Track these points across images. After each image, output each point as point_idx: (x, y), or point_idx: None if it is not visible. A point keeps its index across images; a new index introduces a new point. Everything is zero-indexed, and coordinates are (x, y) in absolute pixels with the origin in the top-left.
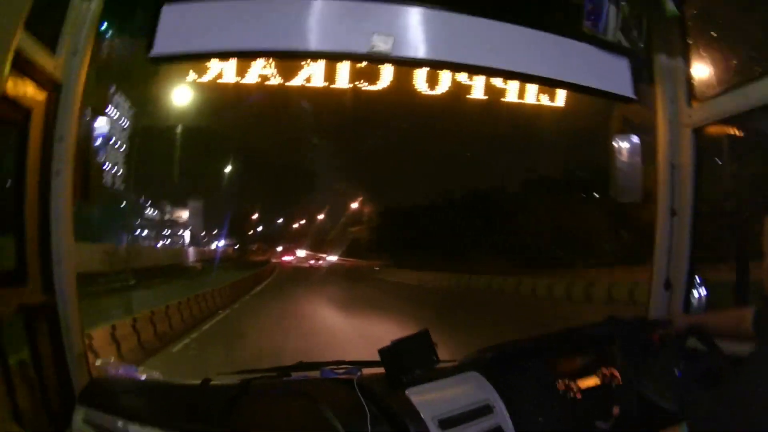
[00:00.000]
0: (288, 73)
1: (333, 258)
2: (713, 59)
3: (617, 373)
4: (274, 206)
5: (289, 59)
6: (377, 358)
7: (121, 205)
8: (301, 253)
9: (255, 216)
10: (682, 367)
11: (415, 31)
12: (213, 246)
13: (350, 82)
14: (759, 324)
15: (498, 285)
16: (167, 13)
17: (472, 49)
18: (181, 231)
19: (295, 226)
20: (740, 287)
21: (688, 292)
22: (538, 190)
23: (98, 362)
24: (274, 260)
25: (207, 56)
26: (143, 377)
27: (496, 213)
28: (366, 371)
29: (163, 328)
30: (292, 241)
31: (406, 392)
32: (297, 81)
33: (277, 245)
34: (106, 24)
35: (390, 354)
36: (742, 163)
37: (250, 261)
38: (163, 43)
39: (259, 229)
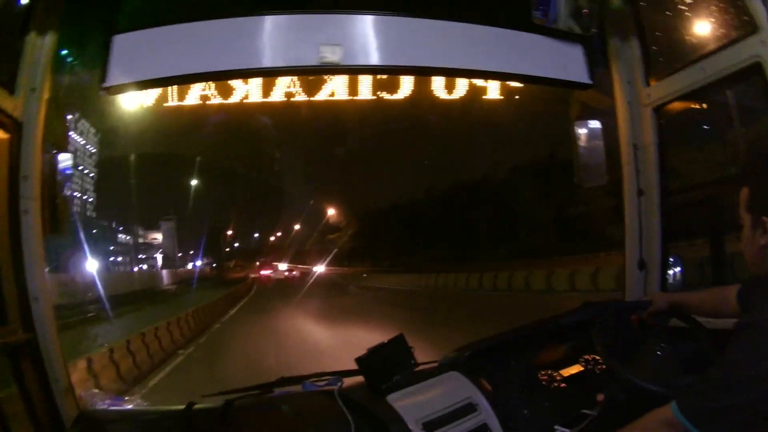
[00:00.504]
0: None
1: (313, 268)
2: (667, 36)
3: (599, 358)
4: (247, 221)
5: (241, 78)
6: (354, 361)
7: (90, 233)
8: (281, 266)
9: (229, 232)
10: (664, 347)
11: (364, 39)
12: (188, 266)
13: (304, 95)
14: (743, 297)
15: (474, 282)
16: (118, 42)
17: (423, 52)
18: (154, 253)
19: (271, 238)
20: (715, 262)
21: (663, 271)
22: (509, 182)
23: (85, 395)
24: (252, 275)
25: (160, 83)
26: (130, 406)
27: (465, 208)
28: (347, 381)
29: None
30: (269, 254)
31: (388, 399)
32: (255, 97)
33: (255, 260)
34: (62, 58)
35: (367, 362)
36: (704, 137)
37: (227, 278)
38: (116, 74)
39: (235, 245)
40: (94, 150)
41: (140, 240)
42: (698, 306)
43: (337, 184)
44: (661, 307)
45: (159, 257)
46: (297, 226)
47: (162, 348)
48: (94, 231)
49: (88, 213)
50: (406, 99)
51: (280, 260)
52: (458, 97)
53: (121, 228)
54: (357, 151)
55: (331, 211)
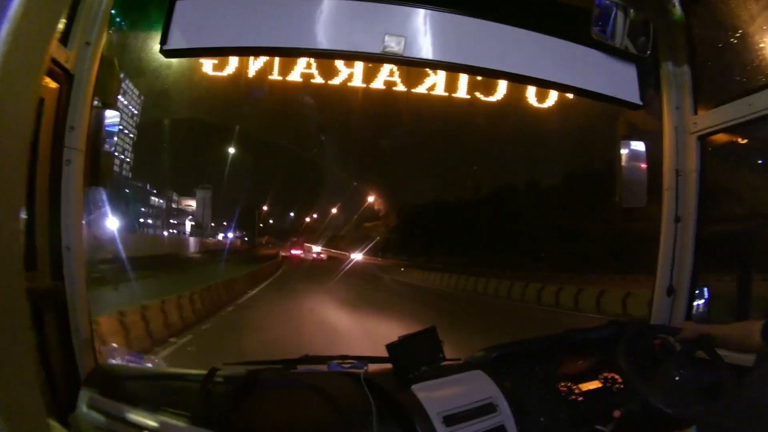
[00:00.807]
0: (296, 69)
1: (349, 255)
2: (718, 67)
3: (618, 377)
4: (284, 200)
5: (301, 57)
6: (383, 353)
7: (122, 193)
8: (314, 248)
9: (264, 208)
10: (683, 373)
11: (426, 33)
12: (219, 237)
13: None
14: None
15: (505, 290)
16: (181, 7)
17: (481, 52)
18: (185, 219)
19: (307, 219)
20: (743, 296)
21: (691, 300)
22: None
23: (104, 349)
24: (282, 254)
25: (219, 52)
26: (149, 364)
27: (510, 213)
28: (372, 366)
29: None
30: (303, 235)
31: (413, 388)
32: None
33: (287, 239)
34: (119, 17)
35: (398, 350)
36: (746, 171)
37: (256, 254)
38: (177, 38)
39: (270, 221)
40: (137, 111)
41: (174, 205)
42: (724, 339)
43: (381, 174)
44: (690, 336)
45: (188, 224)
46: (334, 210)
47: (149, 334)
48: (127, 191)
49: (124, 173)
50: (462, 99)
51: (313, 242)
52: (513, 101)
53: (155, 191)
54: (404, 144)
55: (371, 198)
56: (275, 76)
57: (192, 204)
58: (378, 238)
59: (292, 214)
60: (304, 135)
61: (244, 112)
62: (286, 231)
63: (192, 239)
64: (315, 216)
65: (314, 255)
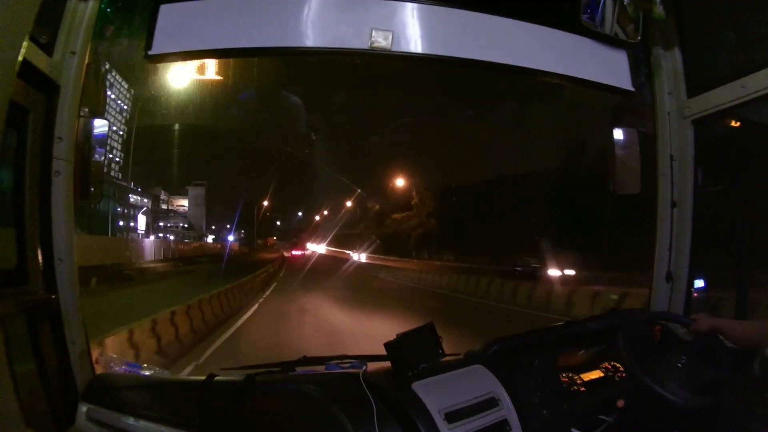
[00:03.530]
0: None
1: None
2: (711, 50)
3: (620, 366)
4: (290, 199)
5: (287, 56)
6: (382, 352)
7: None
8: (318, 247)
9: (265, 203)
10: (685, 361)
11: (413, 27)
12: (208, 239)
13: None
14: None
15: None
16: (165, 12)
17: (470, 44)
18: (180, 222)
19: (317, 218)
20: (741, 280)
21: (690, 285)
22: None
23: (101, 359)
24: (286, 255)
25: (204, 54)
26: (146, 373)
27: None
28: (371, 365)
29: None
30: (307, 234)
31: (413, 386)
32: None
33: (294, 239)
34: (103, 24)
35: (396, 348)
36: (742, 154)
37: (250, 259)
38: (161, 42)
39: (277, 223)
40: (126, 107)
41: (164, 206)
42: (739, 336)
43: (407, 152)
44: (703, 328)
45: (141, 219)
46: (349, 203)
47: None
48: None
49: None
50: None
51: (320, 241)
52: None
53: (138, 189)
54: (393, 142)
55: (399, 182)
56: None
57: (184, 204)
58: (403, 235)
59: (300, 213)
60: (297, 136)
61: (236, 115)
62: (293, 231)
63: (148, 242)
64: (326, 213)
65: (303, 253)
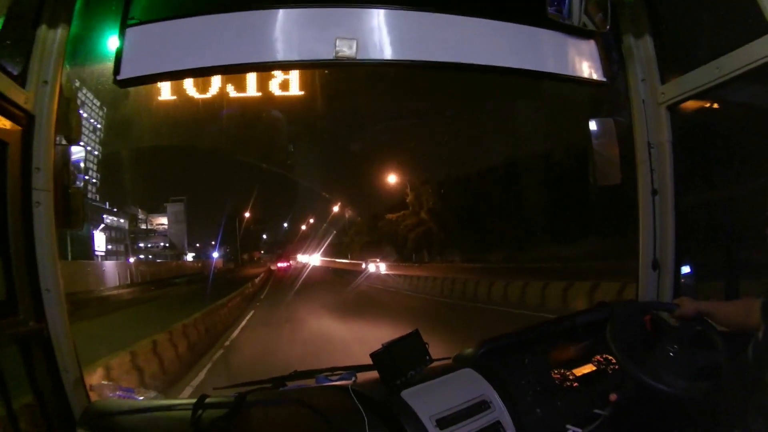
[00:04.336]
0: (262, 82)
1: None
2: (683, 34)
3: (612, 358)
4: (273, 212)
5: (256, 71)
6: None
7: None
8: (310, 259)
9: (247, 215)
10: (677, 349)
11: (378, 33)
12: (188, 257)
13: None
14: (767, 313)
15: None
16: (131, 35)
17: (437, 47)
18: (160, 241)
19: (303, 227)
20: (729, 266)
21: (677, 272)
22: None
23: (96, 386)
24: (272, 268)
25: (173, 75)
26: (140, 398)
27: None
28: (361, 376)
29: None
30: (292, 246)
31: (402, 394)
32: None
33: (280, 251)
34: (74, 51)
35: (382, 357)
36: (721, 136)
37: (226, 277)
38: (130, 66)
39: (263, 236)
40: (99, 125)
41: (143, 225)
42: (724, 316)
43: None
44: (689, 313)
45: (99, 237)
46: (336, 208)
47: None
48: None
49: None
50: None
51: (311, 251)
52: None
53: (115, 209)
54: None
55: (391, 178)
56: (233, 92)
57: (164, 222)
58: (410, 233)
59: (285, 224)
60: (275, 149)
61: (210, 133)
62: (280, 243)
63: (110, 265)
64: (311, 221)
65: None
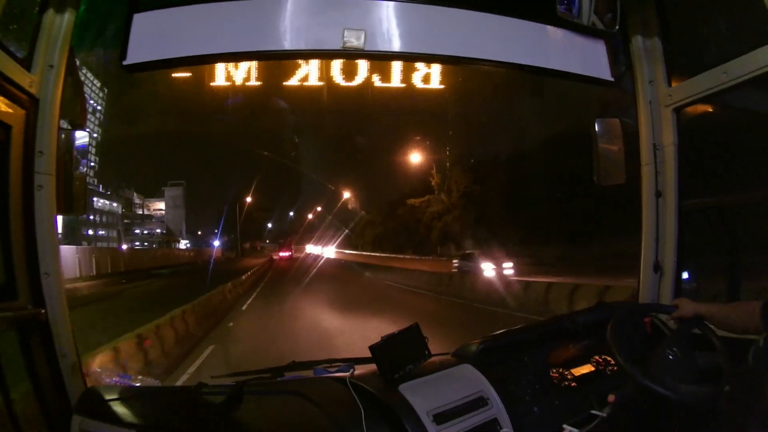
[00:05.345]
0: (269, 72)
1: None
2: (691, 37)
3: (611, 359)
4: (278, 200)
5: (262, 59)
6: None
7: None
8: (315, 248)
9: (248, 200)
10: (676, 352)
11: (386, 25)
12: (181, 245)
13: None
14: (766, 312)
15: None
16: (138, 21)
17: (445, 40)
18: (156, 228)
19: (309, 216)
20: (731, 269)
21: (678, 275)
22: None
23: (93, 371)
24: (274, 257)
25: (180, 62)
26: (138, 384)
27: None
28: (359, 368)
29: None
30: (295, 236)
31: (399, 388)
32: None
33: (284, 241)
34: (80, 36)
35: (381, 350)
36: (726, 140)
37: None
38: (136, 52)
39: (269, 225)
40: (100, 107)
41: (138, 210)
42: (723, 319)
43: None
44: (687, 314)
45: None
46: (347, 194)
47: None
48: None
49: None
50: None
51: (322, 242)
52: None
53: (108, 192)
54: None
55: (414, 157)
56: (241, 81)
57: (161, 207)
58: (436, 222)
59: (291, 213)
60: (281, 139)
61: (216, 121)
62: (286, 233)
63: (69, 250)
64: (319, 209)
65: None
